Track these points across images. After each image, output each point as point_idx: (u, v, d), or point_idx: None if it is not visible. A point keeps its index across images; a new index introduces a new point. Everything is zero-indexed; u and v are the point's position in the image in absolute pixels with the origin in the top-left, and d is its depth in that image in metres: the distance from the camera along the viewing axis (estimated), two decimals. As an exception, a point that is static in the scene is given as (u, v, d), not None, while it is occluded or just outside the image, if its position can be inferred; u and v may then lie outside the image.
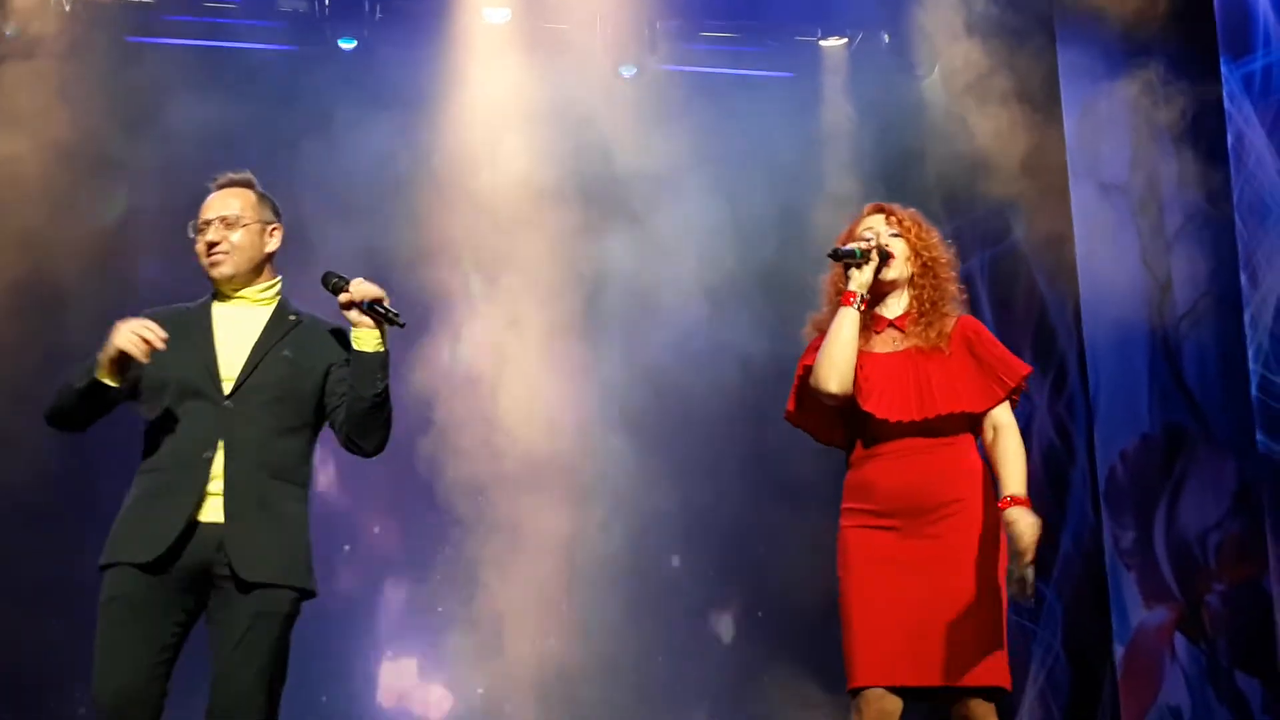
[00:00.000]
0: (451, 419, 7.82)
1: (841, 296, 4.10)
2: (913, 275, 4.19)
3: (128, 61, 7.57)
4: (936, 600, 3.95)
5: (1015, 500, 4.01)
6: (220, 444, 3.74)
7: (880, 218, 4.25)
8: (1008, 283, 8.55)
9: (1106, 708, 7.60)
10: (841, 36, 8.85)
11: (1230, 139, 7.06)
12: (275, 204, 4.08)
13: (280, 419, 3.83)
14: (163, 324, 3.80)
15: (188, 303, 4.00)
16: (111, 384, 3.70)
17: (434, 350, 7.92)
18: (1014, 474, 4.05)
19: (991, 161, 8.03)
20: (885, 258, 4.13)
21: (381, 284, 3.87)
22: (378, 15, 8.31)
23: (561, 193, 7.98)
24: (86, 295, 6.79)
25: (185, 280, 4.16)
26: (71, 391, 3.74)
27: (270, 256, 4.02)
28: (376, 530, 8.39)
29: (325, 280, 3.90)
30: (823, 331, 4.17)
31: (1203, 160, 7.27)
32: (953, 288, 4.24)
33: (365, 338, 3.82)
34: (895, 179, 8.51)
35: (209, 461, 3.72)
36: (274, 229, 4.02)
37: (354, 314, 3.83)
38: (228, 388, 3.80)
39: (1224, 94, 7.07)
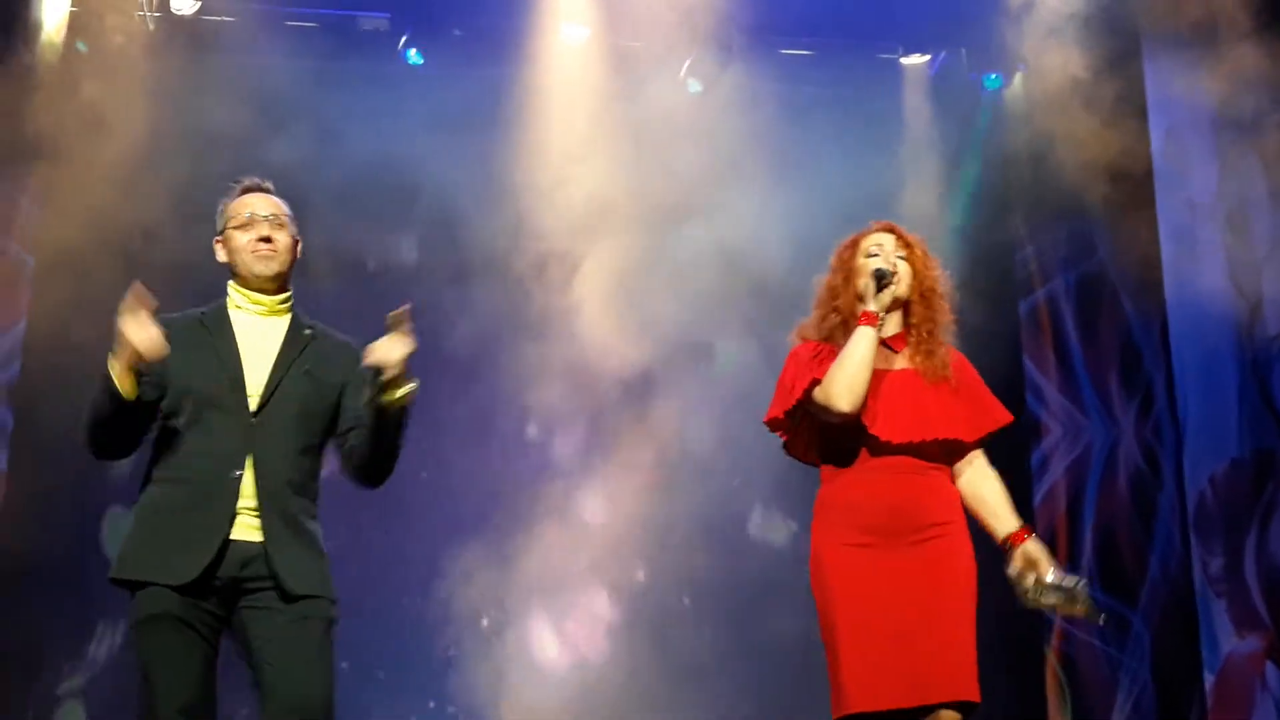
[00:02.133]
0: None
1: (863, 316, 4.06)
2: (910, 301, 4.17)
3: (209, 78, 7.63)
4: (918, 619, 3.90)
5: (1030, 531, 4.11)
6: (250, 461, 3.73)
7: (890, 237, 4.23)
8: (1093, 303, 8.42)
9: (1196, 739, 7.45)
10: (923, 54, 8.78)
11: (1321, 157, 6.94)
12: None
13: (301, 437, 3.83)
14: (180, 331, 3.78)
15: (199, 308, 3.97)
16: (134, 396, 3.58)
17: (510, 366, 7.94)
18: (1010, 506, 4.14)
19: (1076, 180, 7.92)
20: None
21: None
22: (456, 33, 8.33)
23: (638, 208, 7.96)
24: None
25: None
26: (104, 415, 3.66)
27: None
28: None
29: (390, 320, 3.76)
30: (809, 340, 4.18)
31: (1293, 178, 7.15)
32: (947, 318, 4.22)
33: (402, 393, 3.71)
34: (977, 198, 8.42)
35: (238, 480, 3.71)
36: (299, 242, 4.05)
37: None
38: (253, 403, 3.79)
39: (1314, 109, 6.96)
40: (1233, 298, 7.52)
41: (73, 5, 7.77)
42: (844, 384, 3.96)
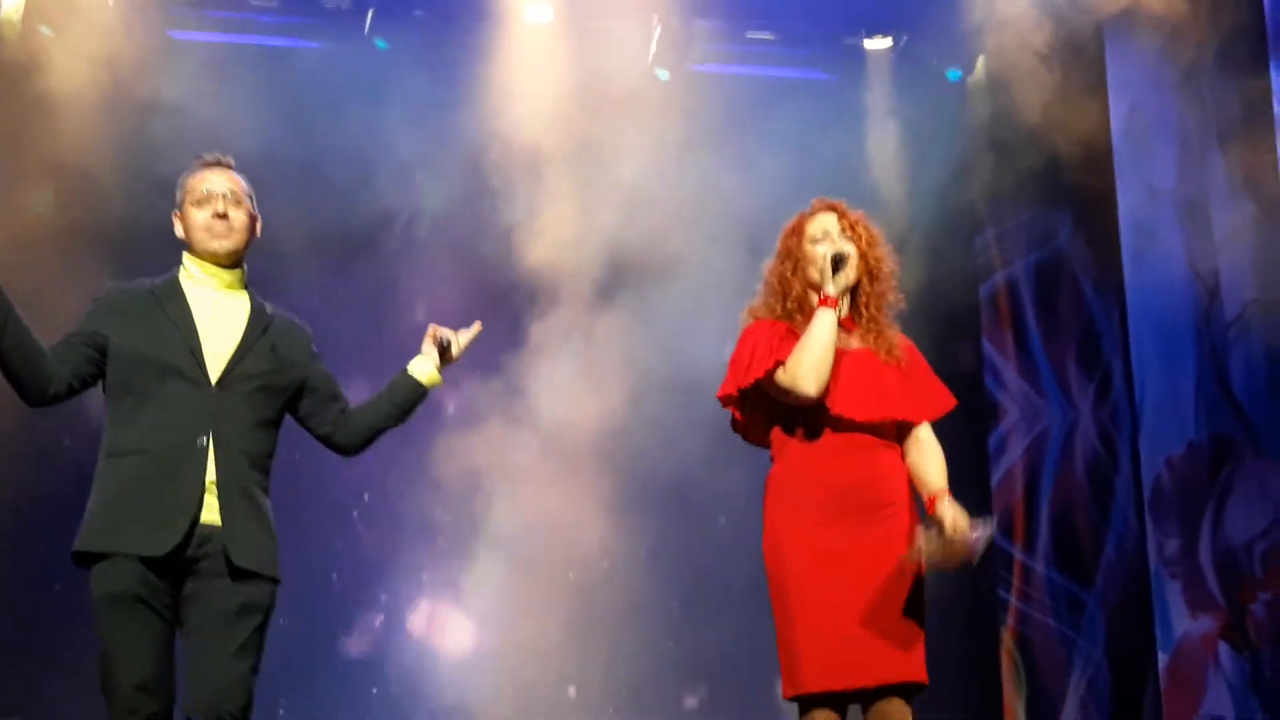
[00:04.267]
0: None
1: (823, 299, 4.03)
2: (858, 280, 4.14)
3: (170, 57, 7.59)
4: (872, 598, 3.89)
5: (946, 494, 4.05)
6: (210, 432, 3.73)
7: (833, 217, 4.19)
8: (1052, 288, 8.47)
9: (1149, 717, 7.52)
10: (885, 37, 8.78)
11: (1279, 142, 6.97)
12: None
13: (259, 410, 3.84)
14: (128, 301, 3.82)
15: (149, 279, 3.94)
16: None
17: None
18: (941, 472, 4.10)
19: (1036, 165, 7.96)
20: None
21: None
22: (417, 13, 8.30)
23: (600, 193, 7.95)
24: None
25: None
26: None
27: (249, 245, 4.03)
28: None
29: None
30: (761, 319, 4.14)
31: (1251, 163, 7.18)
32: (892, 296, 4.21)
33: (433, 374, 4.10)
34: (938, 182, 8.44)
35: (204, 449, 3.71)
36: (257, 219, 4.03)
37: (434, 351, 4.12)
38: (214, 373, 3.78)
39: (1273, 99, 6.98)
40: (1191, 283, 7.56)
41: (23, -10, 7.71)
42: (809, 366, 3.94)
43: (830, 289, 4.04)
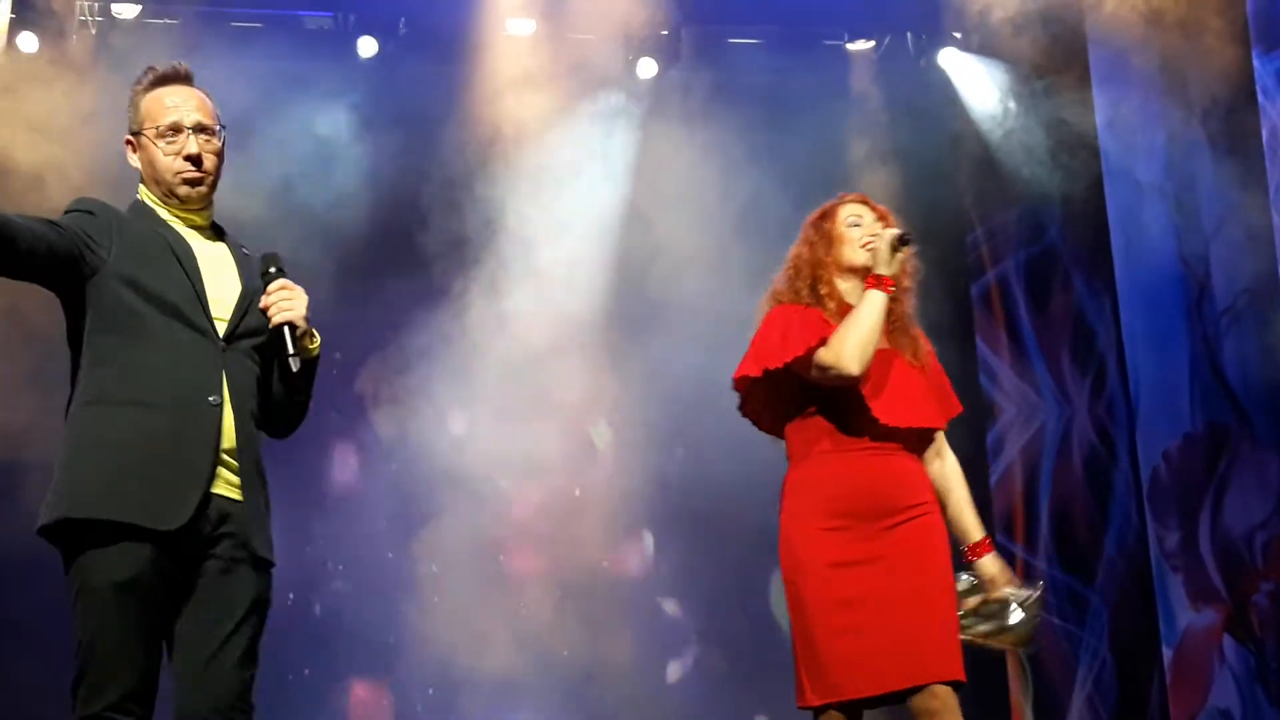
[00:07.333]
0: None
1: (876, 279, 3.91)
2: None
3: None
4: (903, 601, 3.78)
5: (990, 545, 4.04)
6: (225, 392, 3.14)
7: (865, 207, 4.11)
8: (1044, 284, 8.46)
9: (1155, 712, 7.50)
10: (869, 39, 8.77)
11: (1265, 134, 6.98)
12: None
13: (258, 369, 3.26)
14: (127, 221, 3.23)
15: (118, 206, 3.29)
16: None
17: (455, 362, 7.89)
18: (974, 514, 4.08)
19: (1024, 162, 7.97)
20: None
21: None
22: (402, 30, 8.30)
23: (588, 200, 7.95)
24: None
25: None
26: None
27: None
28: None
29: (266, 262, 3.29)
30: (787, 303, 4.03)
31: (1237, 155, 7.19)
32: (913, 298, 4.13)
33: (316, 343, 3.36)
34: (926, 182, 8.43)
35: (218, 408, 3.11)
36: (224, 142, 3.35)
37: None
38: (221, 327, 3.19)
39: (1257, 89, 7.00)
40: (1182, 274, 7.57)
41: (11, 12, 7.69)
42: (855, 344, 3.81)
43: (884, 269, 3.94)
